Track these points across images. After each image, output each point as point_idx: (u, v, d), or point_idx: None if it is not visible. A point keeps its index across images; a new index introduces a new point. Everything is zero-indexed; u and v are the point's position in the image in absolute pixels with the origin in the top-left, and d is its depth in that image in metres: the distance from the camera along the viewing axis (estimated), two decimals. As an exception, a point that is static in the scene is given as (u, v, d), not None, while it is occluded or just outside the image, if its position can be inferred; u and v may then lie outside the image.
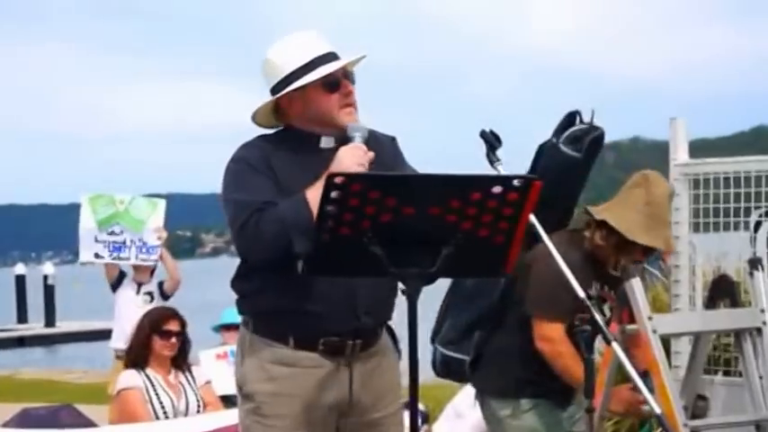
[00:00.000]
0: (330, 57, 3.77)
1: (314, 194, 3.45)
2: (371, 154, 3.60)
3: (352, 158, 3.54)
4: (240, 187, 3.71)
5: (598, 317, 3.56)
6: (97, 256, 9.63)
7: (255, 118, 3.86)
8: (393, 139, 3.91)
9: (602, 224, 4.30)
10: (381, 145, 3.81)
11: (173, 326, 6.51)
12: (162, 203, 9.84)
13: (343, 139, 3.68)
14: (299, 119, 3.81)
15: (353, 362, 3.72)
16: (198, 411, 6.45)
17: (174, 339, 6.46)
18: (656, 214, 4.32)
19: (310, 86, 3.74)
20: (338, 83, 3.75)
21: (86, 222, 9.65)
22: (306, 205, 3.50)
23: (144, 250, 9.61)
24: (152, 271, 9.85)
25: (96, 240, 9.58)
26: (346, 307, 3.66)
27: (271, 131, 3.88)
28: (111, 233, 9.56)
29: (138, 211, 9.66)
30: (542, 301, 4.30)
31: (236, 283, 3.80)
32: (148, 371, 6.44)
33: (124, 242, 9.56)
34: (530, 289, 4.34)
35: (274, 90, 3.79)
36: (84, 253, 9.69)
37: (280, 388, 3.71)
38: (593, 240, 4.35)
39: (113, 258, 9.62)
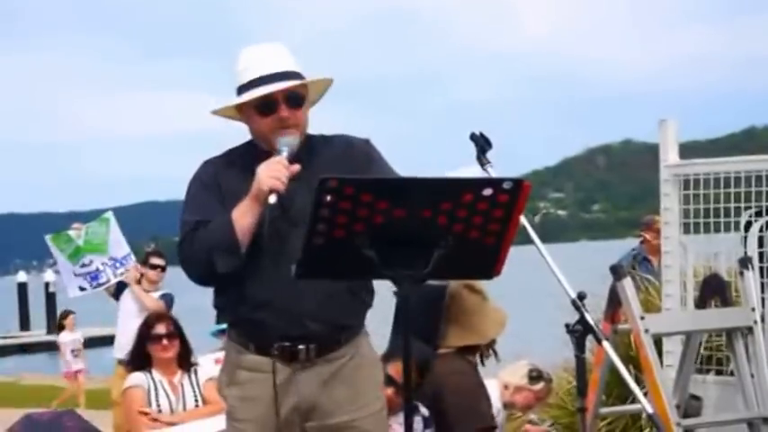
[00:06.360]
0: (276, 77, 3.68)
1: (238, 212, 3.57)
2: (295, 167, 3.58)
3: (268, 173, 3.54)
4: (187, 206, 3.80)
5: (588, 317, 3.61)
6: (81, 288, 9.88)
7: (217, 112, 3.84)
8: (367, 141, 3.89)
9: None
10: (350, 149, 3.80)
11: (160, 329, 6.61)
12: (109, 215, 10.02)
13: (297, 155, 3.66)
14: (252, 133, 3.83)
15: (311, 366, 3.74)
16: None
17: (165, 341, 6.56)
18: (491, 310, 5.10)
19: (247, 106, 3.75)
20: (272, 107, 3.69)
21: (60, 259, 9.92)
22: (229, 225, 3.58)
23: (118, 265, 9.80)
24: (156, 281, 9.91)
25: (75, 275, 9.84)
26: (290, 314, 3.67)
27: (239, 144, 3.88)
28: (83, 265, 9.80)
29: (95, 234, 9.87)
30: (470, 417, 4.72)
31: (214, 296, 3.90)
32: (154, 373, 6.56)
33: (97, 269, 9.79)
34: (448, 415, 4.83)
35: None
36: (71, 290, 9.96)
37: (244, 392, 3.79)
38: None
39: (95, 288, 9.85)
